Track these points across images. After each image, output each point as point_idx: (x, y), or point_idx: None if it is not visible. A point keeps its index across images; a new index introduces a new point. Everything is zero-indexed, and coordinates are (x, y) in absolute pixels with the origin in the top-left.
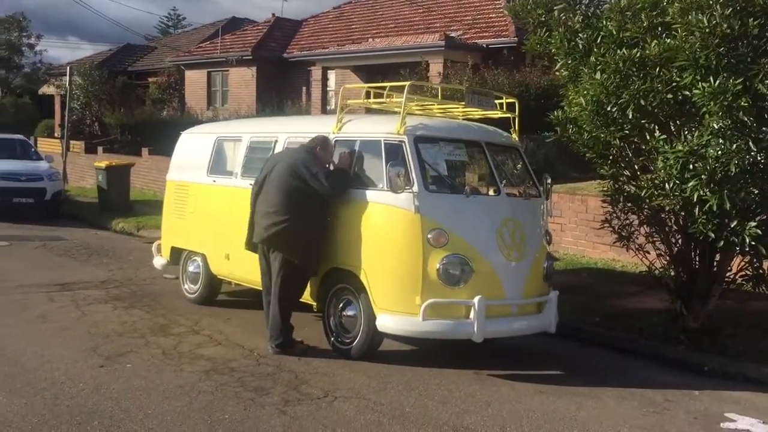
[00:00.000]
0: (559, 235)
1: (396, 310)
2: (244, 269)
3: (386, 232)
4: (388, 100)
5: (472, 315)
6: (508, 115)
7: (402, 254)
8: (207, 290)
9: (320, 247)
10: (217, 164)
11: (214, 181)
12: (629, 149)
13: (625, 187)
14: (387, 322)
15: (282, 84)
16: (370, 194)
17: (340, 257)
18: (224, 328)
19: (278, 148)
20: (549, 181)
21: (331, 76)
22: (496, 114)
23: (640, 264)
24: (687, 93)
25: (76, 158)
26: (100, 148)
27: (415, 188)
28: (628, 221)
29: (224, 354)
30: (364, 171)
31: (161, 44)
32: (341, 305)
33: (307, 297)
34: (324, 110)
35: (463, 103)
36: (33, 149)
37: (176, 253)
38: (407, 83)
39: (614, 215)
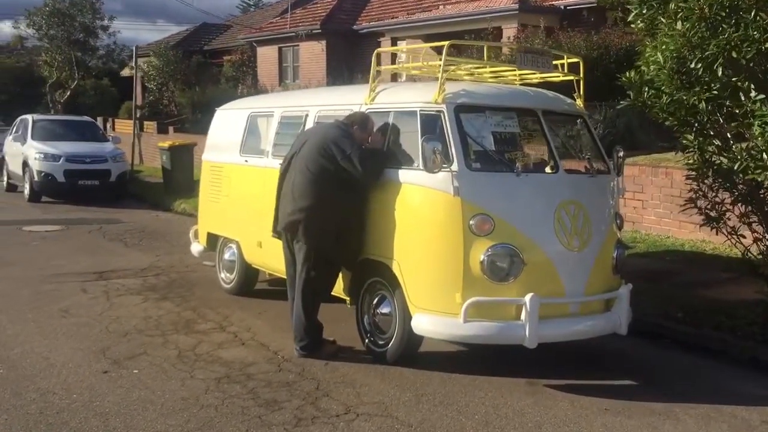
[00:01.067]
0: (640, 212)
1: (434, 310)
2: (277, 258)
3: (422, 218)
4: (425, 64)
5: (523, 316)
6: (571, 77)
7: (440, 244)
8: (242, 280)
9: (354, 237)
10: (250, 142)
11: (246, 161)
12: (719, 114)
13: (714, 158)
14: (423, 323)
15: (352, 57)
16: (404, 174)
17: (373, 247)
18: (254, 323)
19: (309, 123)
20: (621, 154)
21: (402, 46)
22: (558, 77)
23: (735, 247)
24: None
25: (149, 138)
26: (171, 128)
27: (455, 166)
28: (718, 199)
29: (245, 357)
30: (399, 147)
31: (236, 23)
32: (375, 302)
33: (339, 291)
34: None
35: (515, 65)
36: (100, 131)
37: (213, 240)
38: (446, 43)
39: (701, 193)
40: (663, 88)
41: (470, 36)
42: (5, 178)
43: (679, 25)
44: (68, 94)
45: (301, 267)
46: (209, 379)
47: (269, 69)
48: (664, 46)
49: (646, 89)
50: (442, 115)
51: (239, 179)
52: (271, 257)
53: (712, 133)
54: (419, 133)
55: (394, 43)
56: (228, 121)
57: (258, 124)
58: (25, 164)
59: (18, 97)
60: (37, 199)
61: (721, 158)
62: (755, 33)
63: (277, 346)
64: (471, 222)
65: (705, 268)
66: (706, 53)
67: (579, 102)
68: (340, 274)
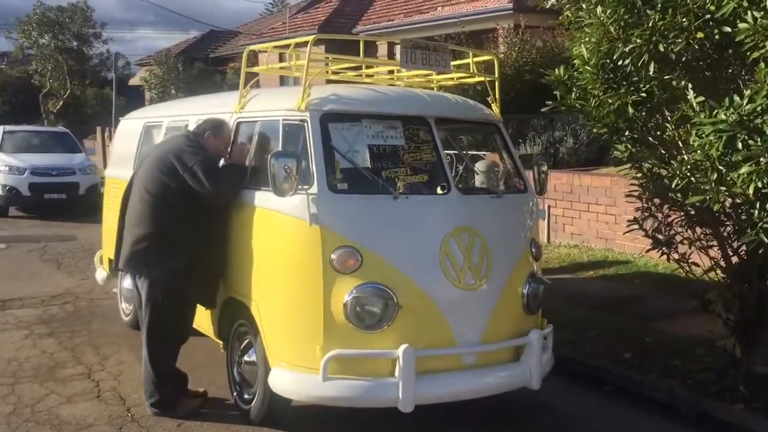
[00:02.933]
0: (613, 228)
1: (293, 363)
2: None
3: (276, 250)
4: (292, 63)
5: (397, 372)
6: (484, 78)
7: (296, 283)
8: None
9: (209, 270)
10: (142, 157)
11: None
12: (669, 119)
13: (661, 171)
14: (279, 380)
15: None
16: (260, 197)
17: (234, 284)
18: (130, 369)
19: None
20: (544, 169)
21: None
22: (472, 79)
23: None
24: (728, 30)
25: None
26: None
27: (314, 188)
28: (668, 220)
29: (87, 415)
30: (262, 162)
31: (245, 29)
32: (242, 348)
33: (211, 333)
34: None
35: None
36: (75, 142)
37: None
38: (311, 38)
39: (648, 212)
40: (589, 88)
41: (451, 39)
42: None
43: (599, 11)
44: (61, 103)
45: (145, 307)
46: None
47: (270, 76)
48: (587, 38)
49: (575, 90)
50: (305, 124)
51: None
52: None
53: (657, 142)
54: (280, 146)
55: (390, 47)
56: (128, 132)
57: (152, 135)
58: None
59: (19, 108)
60: (4, 213)
61: (661, 171)
62: (683, 20)
63: (137, 400)
64: (332, 256)
65: (674, 295)
66: (630, 46)
67: (495, 108)
68: (209, 315)
